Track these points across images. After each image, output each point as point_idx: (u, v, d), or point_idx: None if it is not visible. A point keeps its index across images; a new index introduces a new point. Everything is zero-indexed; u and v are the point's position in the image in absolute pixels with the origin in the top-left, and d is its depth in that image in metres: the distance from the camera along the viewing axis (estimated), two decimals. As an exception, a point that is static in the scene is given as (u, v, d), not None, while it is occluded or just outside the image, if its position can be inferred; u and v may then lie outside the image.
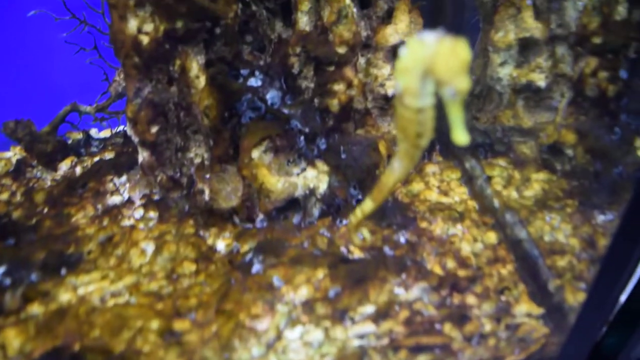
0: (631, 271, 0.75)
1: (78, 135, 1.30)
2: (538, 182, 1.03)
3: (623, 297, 0.82)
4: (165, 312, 0.86)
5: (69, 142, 1.29)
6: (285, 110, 1.01)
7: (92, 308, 0.89)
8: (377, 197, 0.75)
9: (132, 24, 0.96)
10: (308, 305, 0.86)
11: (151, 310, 0.87)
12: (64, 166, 1.21)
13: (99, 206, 1.09)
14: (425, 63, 0.52)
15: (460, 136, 0.53)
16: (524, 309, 0.86)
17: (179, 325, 0.85)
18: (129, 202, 1.09)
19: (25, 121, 1.19)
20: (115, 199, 1.10)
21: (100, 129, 1.35)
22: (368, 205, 0.77)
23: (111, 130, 1.33)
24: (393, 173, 0.69)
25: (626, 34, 1.04)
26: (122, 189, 1.12)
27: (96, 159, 1.22)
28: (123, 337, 0.84)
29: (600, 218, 0.95)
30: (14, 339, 0.84)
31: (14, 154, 1.30)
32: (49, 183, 1.17)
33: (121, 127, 1.33)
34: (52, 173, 1.20)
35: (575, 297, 0.86)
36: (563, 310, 0.84)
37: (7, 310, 0.88)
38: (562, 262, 0.90)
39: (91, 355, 0.81)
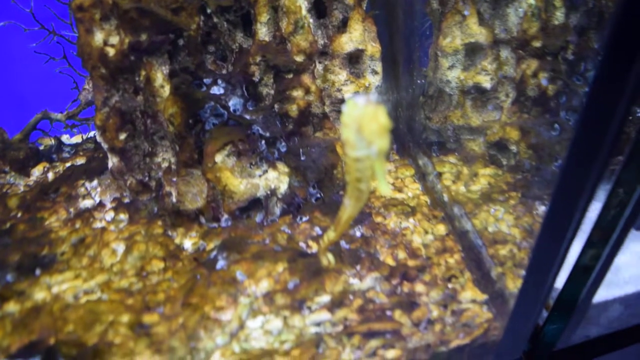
0: (562, 257, 0.82)
1: (50, 142, 1.34)
2: (485, 176, 1.10)
3: (560, 283, 0.89)
4: (135, 307, 0.92)
5: (41, 148, 1.34)
6: (247, 116, 1.07)
7: (66, 305, 0.94)
8: (337, 229, 0.86)
9: (99, 37, 1.01)
10: (268, 297, 0.92)
11: (122, 305, 0.92)
12: (37, 172, 1.26)
13: (71, 210, 1.14)
14: (357, 122, 0.60)
15: (384, 188, 0.63)
16: (469, 295, 0.92)
17: (148, 318, 0.90)
18: (100, 205, 1.14)
19: (-3, 129, 1.24)
20: (87, 203, 1.15)
21: (72, 135, 1.39)
22: (331, 235, 0.88)
23: (82, 136, 1.38)
24: (345, 210, 0.80)
25: (564, 37, 1.12)
26: (93, 193, 1.17)
27: (68, 164, 1.26)
28: (95, 330, 0.89)
29: (541, 209, 1.03)
30: (-9, 336, 0.89)
31: (-14, 162, 1.34)
32: (22, 189, 1.21)
33: (92, 134, 1.38)
34: (24, 179, 1.25)
35: (515, 284, 0.93)
36: (504, 297, 0.91)
37: (-15, 310, 0.93)
38: (503, 251, 0.97)
39: (65, 348, 0.86)
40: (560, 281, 0.87)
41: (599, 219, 0.79)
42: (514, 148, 1.11)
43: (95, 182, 1.19)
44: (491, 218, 1.02)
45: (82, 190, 1.18)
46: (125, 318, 0.90)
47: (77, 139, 1.39)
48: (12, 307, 0.94)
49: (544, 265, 0.82)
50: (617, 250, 0.81)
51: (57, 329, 0.90)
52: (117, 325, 0.89)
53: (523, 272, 0.89)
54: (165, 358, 0.84)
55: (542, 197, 1.04)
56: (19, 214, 1.14)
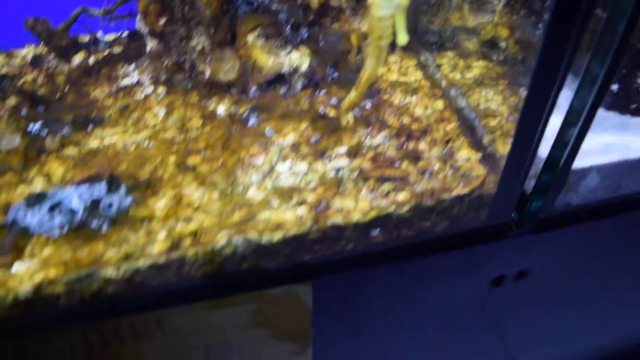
0: (542, 127, 0.99)
1: (86, 38, 1.48)
2: (478, 67, 1.27)
3: (546, 150, 1.05)
4: (179, 152, 1.08)
5: (78, 41, 1.47)
6: (274, 6, 1.22)
7: (118, 151, 1.09)
8: (358, 89, 1.04)
9: None
10: (294, 147, 1.08)
11: (168, 150, 1.08)
12: (78, 58, 1.39)
13: (114, 86, 1.29)
14: None
15: (402, 37, 0.83)
16: (465, 154, 1.09)
17: (192, 160, 1.06)
18: (139, 83, 1.29)
19: (42, 19, 1.37)
20: (127, 81, 1.30)
21: (105, 33, 1.52)
22: (353, 95, 1.06)
23: (115, 34, 1.51)
24: (366, 70, 0.98)
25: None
26: (132, 74, 1.31)
27: (106, 53, 1.40)
28: (146, 169, 1.05)
29: (525, 93, 1.20)
30: (57, 169, 1.04)
31: (28, 51, 1.48)
32: (66, 70, 1.35)
33: (125, 33, 1.51)
34: (67, 64, 1.38)
35: (504, 148, 1.09)
36: (495, 158, 1.08)
37: (49, 150, 1.08)
38: (493, 122, 1.14)
39: (123, 180, 1.02)
40: (544, 154, 1.03)
41: (574, 99, 0.97)
42: (503, 44, 1.28)
43: (133, 65, 1.33)
44: (482, 99, 1.19)
45: (121, 72, 1.33)
46: (172, 159, 1.06)
47: (109, 37, 1.52)
48: (71, 150, 1.09)
49: (528, 131, 0.99)
50: (588, 126, 0.98)
51: (112, 166, 1.05)
52: (165, 164, 1.05)
53: (510, 140, 1.03)
54: (209, 189, 1.01)
55: (526, 84, 1.21)
56: (67, 88, 1.28)
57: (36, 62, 1.41)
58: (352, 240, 1.01)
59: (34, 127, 1.14)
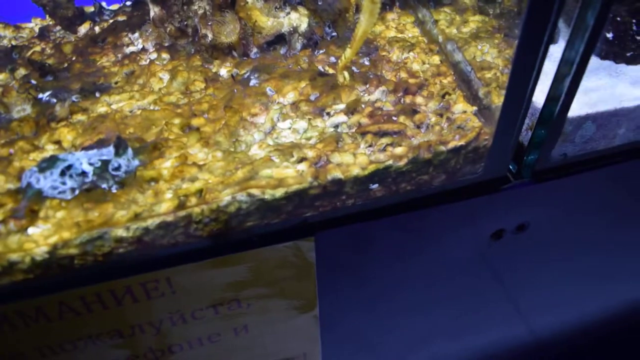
0: (536, 73, 1.00)
1: (90, 9, 1.51)
2: (474, 22, 1.28)
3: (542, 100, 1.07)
4: (183, 114, 1.11)
5: (84, 11, 1.50)
6: (272, -33, 1.24)
7: (125, 115, 1.13)
8: (353, 45, 1.08)
9: None
10: (294, 105, 1.11)
11: (172, 113, 1.11)
12: (83, 29, 1.43)
13: (119, 54, 1.32)
14: None
15: None
16: (461, 107, 1.11)
17: (196, 121, 1.10)
18: (144, 50, 1.32)
19: (47, -10, 1.40)
20: (131, 48, 1.33)
21: (109, 4, 1.55)
22: (348, 52, 1.10)
23: (117, 5, 1.54)
24: (361, 26, 1.02)
25: None
26: (136, 42, 1.35)
27: (110, 22, 1.44)
28: (152, 131, 1.09)
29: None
30: (67, 135, 1.08)
31: (35, 24, 1.51)
32: (73, 39, 1.39)
33: (128, 2, 1.54)
34: (73, 35, 1.42)
35: (499, 99, 1.12)
36: (491, 110, 1.10)
37: (59, 118, 1.12)
38: (489, 74, 1.16)
39: (130, 143, 1.06)
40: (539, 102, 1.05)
41: (567, 45, 0.98)
42: (499, -1, 1.29)
43: (137, 34, 1.36)
44: (478, 52, 1.21)
45: (126, 40, 1.36)
46: (177, 121, 1.09)
47: (113, 7, 1.55)
48: (79, 117, 1.13)
49: (521, 80, 1.01)
50: (582, 72, 0.99)
51: (120, 130, 1.09)
52: (170, 126, 1.09)
53: (504, 92, 1.04)
54: (213, 149, 1.04)
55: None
56: (74, 57, 1.32)
57: (43, 34, 1.45)
58: (352, 195, 1.04)
59: (44, 95, 1.18)
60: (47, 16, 1.44)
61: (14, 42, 1.44)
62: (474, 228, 1.22)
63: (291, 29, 1.22)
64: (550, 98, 1.04)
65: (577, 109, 1.10)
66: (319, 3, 1.25)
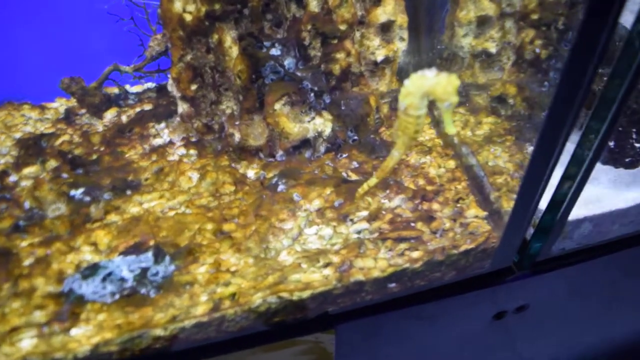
0: (544, 184, 1.06)
1: (115, 90, 1.57)
2: (487, 124, 1.36)
3: (544, 206, 1.13)
4: (215, 219, 1.17)
5: (110, 95, 1.56)
6: (299, 74, 1.31)
7: (157, 217, 1.18)
8: (379, 175, 1.15)
9: (178, 5, 1.24)
10: (320, 212, 1.17)
11: (204, 217, 1.17)
12: (109, 115, 1.49)
13: (146, 146, 1.38)
14: (426, 89, 0.88)
15: (451, 129, 0.90)
16: (473, 212, 1.17)
17: (227, 227, 1.15)
18: (171, 143, 1.38)
19: (77, 78, 1.46)
20: (158, 141, 1.39)
21: (132, 85, 1.61)
22: (373, 180, 1.16)
23: (141, 87, 1.61)
24: (392, 159, 1.09)
25: (556, 11, 1.37)
26: (162, 133, 1.41)
27: (137, 109, 1.50)
28: (185, 235, 1.14)
29: (530, 148, 1.28)
30: (103, 238, 1.13)
31: (60, 104, 1.57)
32: (100, 128, 1.45)
33: (151, 84, 1.60)
34: (99, 121, 1.48)
35: (509, 204, 1.17)
36: (500, 214, 1.16)
37: (94, 219, 1.18)
38: (500, 179, 1.23)
39: (165, 247, 1.11)
40: (543, 205, 1.12)
41: (573, 156, 1.04)
42: (511, 101, 1.37)
43: (163, 124, 1.42)
44: (491, 155, 1.28)
45: (152, 130, 1.42)
46: (209, 226, 1.15)
47: (136, 88, 1.61)
48: (113, 217, 1.19)
49: (530, 190, 1.07)
50: (586, 180, 1.06)
51: (154, 233, 1.14)
52: (203, 231, 1.14)
53: (514, 196, 1.08)
54: (245, 254, 1.10)
55: (532, 139, 1.30)
56: (102, 148, 1.38)
57: (69, 117, 1.50)
58: (371, 292, 1.10)
59: (77, 193, 1.23)
60: (75, 101, 1.50)
61: (39, 125, 1.49)
62: (477, 311, 1.29)
63: (316, 134, 1.28)
64: (552, 204, 1.10)
65: (576, 212, 1.15)
66: (342, 108, 1.32)
